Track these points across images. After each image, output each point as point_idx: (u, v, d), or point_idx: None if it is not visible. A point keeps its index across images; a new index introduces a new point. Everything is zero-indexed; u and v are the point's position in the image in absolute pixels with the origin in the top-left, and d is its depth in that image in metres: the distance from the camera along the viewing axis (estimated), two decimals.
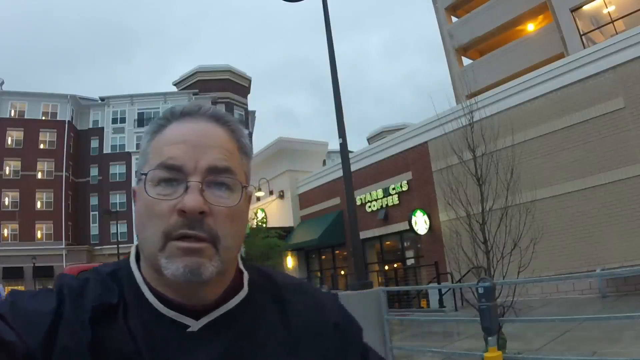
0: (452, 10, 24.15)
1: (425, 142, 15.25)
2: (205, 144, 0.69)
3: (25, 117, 40.32)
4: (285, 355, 0.70)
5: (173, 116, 0.72)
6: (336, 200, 18.85)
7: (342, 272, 19.60)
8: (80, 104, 43.71)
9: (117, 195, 42.02)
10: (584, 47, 15.86)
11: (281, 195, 22.05)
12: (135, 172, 0.75)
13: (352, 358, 0.80)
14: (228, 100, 46.21)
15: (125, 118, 44.07)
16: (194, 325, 0.67)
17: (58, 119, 41.29)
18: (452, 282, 11.88)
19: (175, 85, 48.62)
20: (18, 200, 38.87)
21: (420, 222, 15.01)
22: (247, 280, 0.76)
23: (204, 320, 0.68)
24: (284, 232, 19.61)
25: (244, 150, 0.75)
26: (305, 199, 21.26)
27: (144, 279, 0.70)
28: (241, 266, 0.78)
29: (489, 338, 5.44)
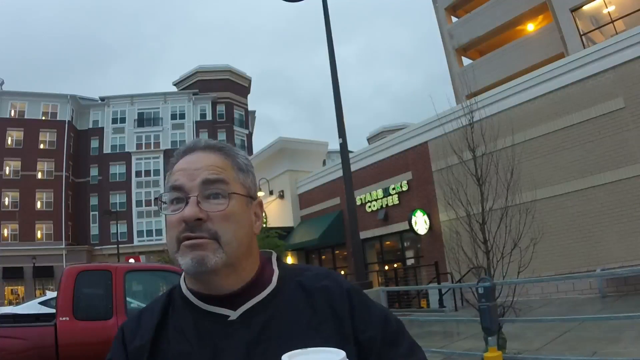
0: (452, 10, 24.14)
1: (425, 142, 15.25)
2: (200, 166, 0.85)
3: (25, 117, 40.29)
4: (309, 331, 0.83)
5: (178, 155, 0.90)
6: (336, 200, 18.84)
7: (342, 272, 19.54)
8: (80, 104, 43.67)
9: (117, 195, 42.00)
10: (584, 47, 15.85)
11: (281, 195, 22.04)
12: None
13: (367, 337, 0.88)
14: (228, 100, 46.09)
15: (125, 118, 44.01)
16: (233, 315, 0.84)
17: (58, 119, 41.27)
18: (452, 282, 11.87)
19: (175, 85, 48.51)
20: (18, 200, 38.85)
21: (420, 222, 15.00)
22: (277, 276, 0.91)
23: (240, 310, 0.84)
24: (284, 232, 19.58)
25: (239, 167, 0.90)
26: (305, 199, 21.26)
27: (188, 287, 0.89)
28: (274, 266, 0.93)
29: (489, 338, 5.44)
